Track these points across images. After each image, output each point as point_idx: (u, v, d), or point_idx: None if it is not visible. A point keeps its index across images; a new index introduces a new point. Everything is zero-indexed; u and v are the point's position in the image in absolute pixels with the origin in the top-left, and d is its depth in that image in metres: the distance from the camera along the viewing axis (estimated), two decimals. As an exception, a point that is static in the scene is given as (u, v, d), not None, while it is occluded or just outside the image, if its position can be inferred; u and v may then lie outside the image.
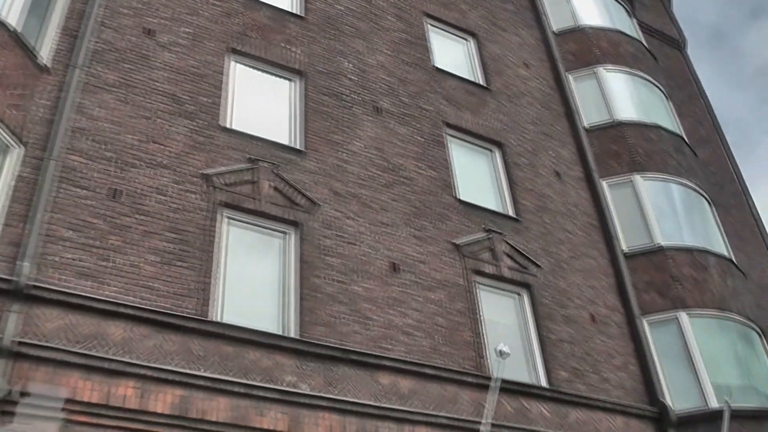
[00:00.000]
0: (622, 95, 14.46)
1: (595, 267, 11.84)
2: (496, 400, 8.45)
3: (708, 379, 11.08)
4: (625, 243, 12.54)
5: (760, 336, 12.57)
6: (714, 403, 10.85)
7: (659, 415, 10.56)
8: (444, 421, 8.61)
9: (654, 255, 12.34)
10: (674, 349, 11.46)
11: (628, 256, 12.36)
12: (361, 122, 11.04)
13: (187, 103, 9.69)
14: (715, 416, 10.62)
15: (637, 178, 13.15)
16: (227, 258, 8.95)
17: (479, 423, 8.74)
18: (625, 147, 13.43)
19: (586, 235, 12.18)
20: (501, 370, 7.63)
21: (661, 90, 15.37)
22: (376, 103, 11.39)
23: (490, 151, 12.33)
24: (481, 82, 13.31)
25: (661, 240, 12.48)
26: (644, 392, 10.77)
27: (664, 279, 12.08)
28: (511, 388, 9.41)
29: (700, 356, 11.28)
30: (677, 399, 10.99)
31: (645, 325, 11.68)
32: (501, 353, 7.52)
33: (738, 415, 10.77)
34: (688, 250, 12.46)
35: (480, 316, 10.03)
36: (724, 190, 15.72)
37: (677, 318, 11.70)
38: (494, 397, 7.63)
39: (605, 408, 10.09)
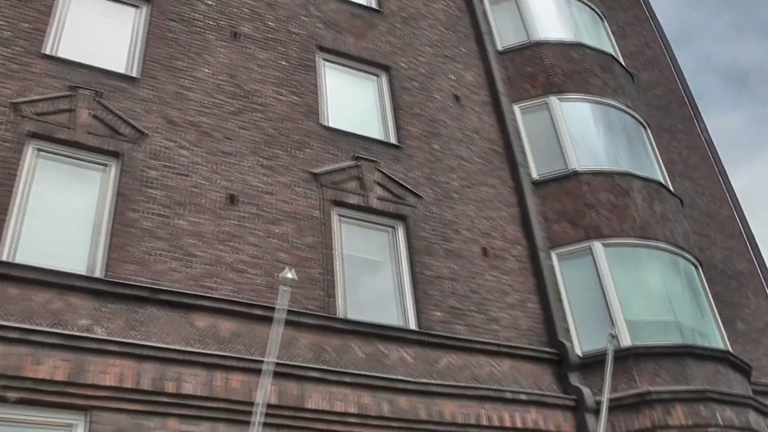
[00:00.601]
0: (546, 16, 12.86)
1: (493, 196, 10.39)
2: (278, 334, 7.11)
3: (621, 316, 9.55)
4: (536, 170, 11.04)
5: (696, 266, 10.94)
6: (626, 342, 9.34)
7: (559, 357, 9.11)
8: (268, 366, 7.31)
9: (567, 181, 10.79)
10: (586, 285, 9.92)
11: (539, 184, 10.84)
12: (214, 48, 9.77)
13: (3, 29, 8.66)
14: (624, 356, 9.12)
15: (553, 101, 11.57)
16: (30, 193, 7.83)
17: (318, 369, 7.48)
18: (542, 68, 11.85)
19: (486, 163, 10.70)
20: (284, 298, 6.31)
21: (594, 9, 13.72)
22: (235, 28, 10.11)
23: (376, 75, 10.96)
24: (372, 4, 11.88)
25: (577, 165, 10.93)
26: (544, 333, 9.32)
27: (577, 207, 10.53)
28: (364, 331, 8.08)
29: (613, 290, 9.74)
30: (585, 340, 9.49)
31: (554, 259, 10.17)
32: (285, 280, 6.23)
33: (654, 354, 9.24)
34: (608, 174, 10.85)
35: (336, 251, 8.70)
36: (671, 113, 14.00)
37: (590, 249, 10.15)
38: (278, 330, 6.32)
39: (488, 351, 8.68)
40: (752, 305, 12.00)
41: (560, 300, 9.72)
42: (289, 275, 6.21)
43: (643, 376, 9.07)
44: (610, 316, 9.51)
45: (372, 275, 8.85)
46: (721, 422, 8.89)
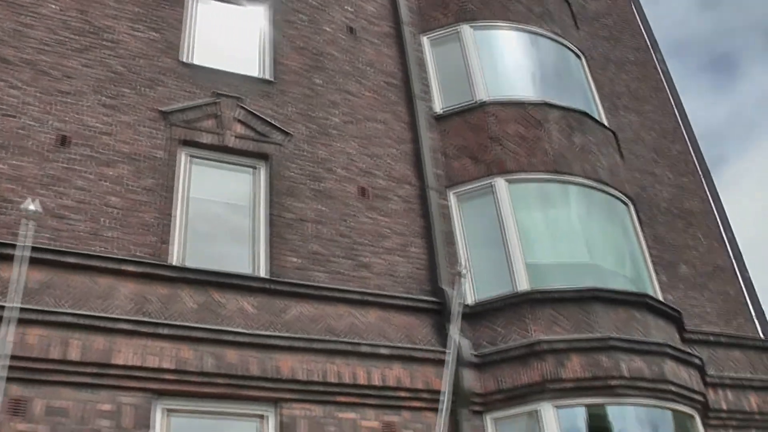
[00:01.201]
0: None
1: (382, 132, 9.24)
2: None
3: (521, 258, 8.34)
4: (441, 103, 9.85)
5: (626, 204, 9.60)
6: (523, 286, 8.15)
7: (441, 307, 7.99)
8: (70, 319, 6.42)
9: (472, 114, 9.55)
10: (487, 226, 8.72)
11: (442, 119, 9.62)
12: (67, -17, 8.95)
13: None
14: (517, 303, 7.95)
15: (465, 29, 10.28)
16: None
17: (129, 321, 6.56)
18: (455, -7, 10.63)
19: (378, 97, 9.56)
20: (28, 232, 5.37)
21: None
22: (96, -38, 9.26)
23: (256, 8, 9.80)
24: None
25: (486, 96, 9.69)
26: (426, 280, 8.20)
27: (481, 141, 9.30)
28: (198, 279, 7.08)
29: (514, 231, 8.51)
30: (482, 287, 8.34)
31: (451, 199, 8.97)
32: (27, 212, 5.30)
33: (553, 299, 8.00)
34: (520, 105, 9.55)
35: (179, 194, 7.73)
36: (622, 44, 12.47)
37: (492, 186, 8.96)
38: (21, 269, 5.39)
39: (351, 300, 7.60)
40: (702, 247, 10.58)
41: (454, 244, 8.58)
42: (32, 207, 5.31)
43: (539, 324, 7.86)
44: (508, 260, 8.34)
45: (225, 220, 7.85)
46: (626, 373, 7.61)
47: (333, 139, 8.84)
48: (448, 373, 6.97)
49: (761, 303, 10.45)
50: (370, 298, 7.65)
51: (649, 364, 7.85)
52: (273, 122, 8.55)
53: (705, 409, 8.49)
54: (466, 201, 8.94)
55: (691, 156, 11.68)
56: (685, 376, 8.17)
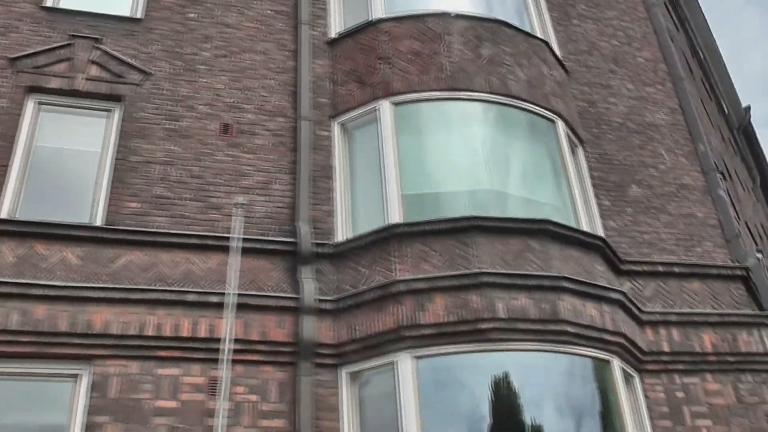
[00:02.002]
0: None
1: (259, 64, 8.00)
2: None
3: (396, 189, 6.94)
4: (337, 27, 8.50)
5: (552, 121, 7.88)
6: (395, 220, 6.81)
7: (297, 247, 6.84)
8: None
9: (364, 34, 8.10)
10: (370, 157, 7.39)
11: (334, 43, 8.24)
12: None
13: None
14: (382, 239, 6.60)
15: (370, -59, 8.82)
16: None
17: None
18: None
19: (261, 27, 8.27)
20: None
21: None
22: None
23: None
24: None
25: (382, 13, 8.21)
26: (289, 220, 7.06)
27: (369, 63, 7.84)
28: (19, 231, 6.26)
29: (393, 157, 7.07)
30: (360, 225, 7.06)
31: (334, 129, 7.65)
32: None
33: (423, 232, 6.60)
34: (418, 18, 7.96)
35: (21, 143, 6.93)
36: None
37: (376, 111, 7.58)
38: None
39: (190, 245, 6.50)
40: (664, 164, 8.60)
41: (329, 177, 7.37)
42: None
43: (405, 262, 6.52)
44: (383, 191, 7.04)
45: (72, 168, 7.05)
46: (502, 314, 6.18)
47: (200, 75, 7.75)
48: (228, 315, 5.83)
49: (734, 224, 8.47)
50: (212, 242, 6.60)
51: (538, 302, 6.32)
52: (131, 62, 7.58)
53: (634, 353, 6.88)
54: (352, 130, 7.62)
55: (663, 64, 9.61)
56: (593, 314, 6.54)
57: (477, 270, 6.24)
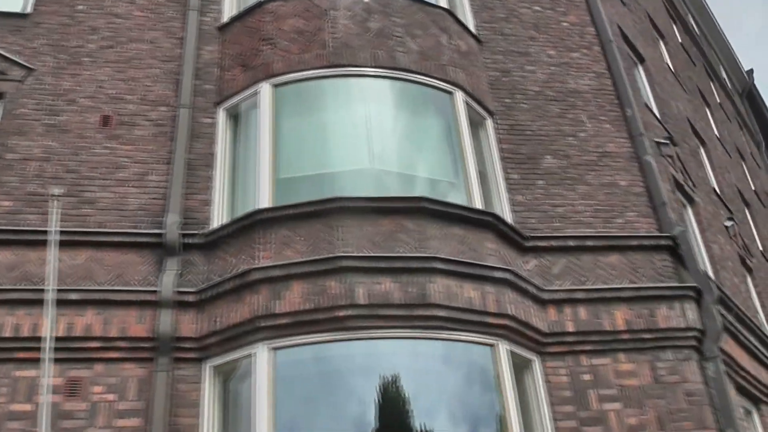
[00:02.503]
0: None
1: (147, 53, 7.51)
2: None
3: (269, 172, 6.38)
4: (231, 12, 7.99)
5: (449, 92, 7.22)
6: (264, 205, 6.28)
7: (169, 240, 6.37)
8: None
9: (251, 16, 7.53)
10: (252, 142, 6.91)
11: (225, 28, 7.75)
12: None
13: None
14: (248, 226, 6.08)
15: None
16: None
17: None
18: None
19: (151, 15, 7.78)
20: None
21: None
22: None
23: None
24: None
25: None
26: (163, 212, 6.57)
27: (253, 45, 7.28)
28: None
29: (267, 141, 6.52)
30: (237, 212, 6.61)
31: (219, 116, 7.13)
32: None
33: (288, 217, 6.06)
34: None
35: None
36: None
37: (257, 94, 7.08)
38: None
39: (59, 242, 6.30)
40: (585, 132, 7.79)
41: (210, 166, 6.92)
42: None
43: (269, 249, 5.99)
44: (256, 176, 6.55)
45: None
46: (361, 300, 5.60)
47: (84, 68, 7.37)
48: (48, 312, 5.32)
49: (661, 191, 7.63)
50: (80, 237, 6.24)
51: (405, 286, 5.73)
52: (14, 58, 7.28)
53: (529, 335, 6.21)
54: (238, 116, 7.18)
55: (591, 27, 8.76)
56: (472, 295, 5.89)
57: (336, 254, 5.72)
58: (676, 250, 7.29)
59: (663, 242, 7.25)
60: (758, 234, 14.42)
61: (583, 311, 6.57)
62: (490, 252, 6.33)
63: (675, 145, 9.79)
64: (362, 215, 6.02)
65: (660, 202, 7.51)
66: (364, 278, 5.68)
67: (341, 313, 5.54)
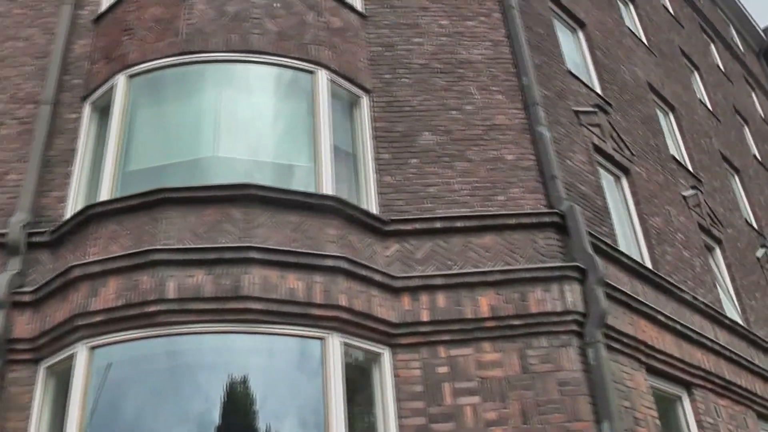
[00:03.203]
0: None
1: (21, 50, 7.09)
2: None
3: (112, 167, 6.01)
4: (108, 2, 7.56)
5: (310, 72, 6.58)
6: (105, 198, 5.93)
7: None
8: None
9: (119, 6, 7.14)
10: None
11: (99, 20, 7.33)
12: None
13: None
14: (82, 223, 5.77)
15: None
16: None
17: None
18: None
19: (29, 11, 7.35)
20: None
21: None
22: None
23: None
24: None
25: None
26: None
27: (116, 36, 6.94)
28: None
29: (115, 134, 6.19)
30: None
31: (85, 110, 6.75)
32: None
33: (115, 211, 5.68)
34: None
35: None
36: None
37: (113, 87, 6.68)
38: None
39: None
40: (472, 105, 6.95)
41: (69, 162, 6.59)
42: None
43: (98, 245, 5.65)
44: (101, 171, 6.19)
45: None
46: (172, 294, 5.11)
47: (-32, 70, 7.33)
48: None
49: (552, 164, 6.77)
50: (-72, 242, 6.20)
51: (218, 278, 5.29)
52: None
53: (372, 327, 5.61)
54: (106, 109, 6.85)
55: (498, 2, 7.90)
56: (296, 286, 5.37)
57: (148, 248, 5.34)
58: (564, 228, 6.53)
59: (548, 219, 6.47)
60: (749, 201, 13.04)
61: (441, 298, 5.94)
62: (331, 239, 5.78)
63: (606, 113, 8.83)
64: (187, 206, 5.61)
65: (550, 175, 6.72)
66: (176, 271, 5.28)
67: (151, 309, 5.17)
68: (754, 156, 14.86)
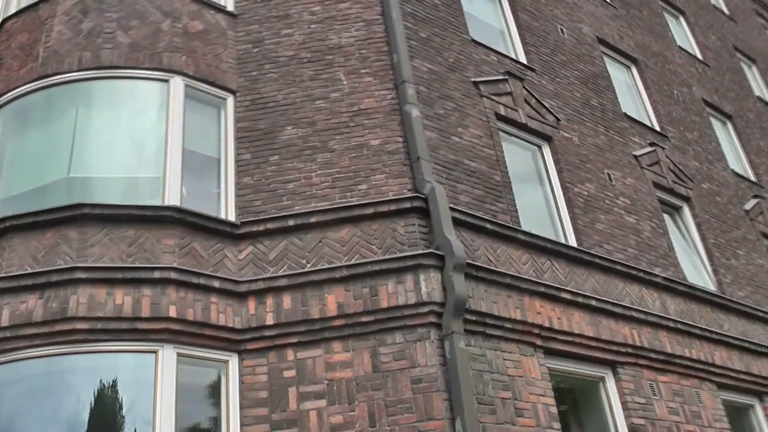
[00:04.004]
0: None
1: None
2: None
3: None
4: (-1, 38, 7.70)
5: (164, 81, 6.34)
6: None
7: None
8: None
9: None
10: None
11: None
12: None
13: None
14: None
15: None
16: None
17: None
18: None
19: None
20: None
21: None
22: None
23: None
24: None
25: (14, 8, 7.26)
26: None
27: None
28: None
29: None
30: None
31: None
32: None
33: None
34: (33, 7, 6.88)
35: None
36: None
37: (-11, 120, 6.74)
38: None
39: None
40: (339, 92, 6.45)
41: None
42: None
43: (-44, 275, 5.84)
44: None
45: None
46: (5, 321, 5.11)
47: None
48: None
49: (417, 144, 6.22)
50: None
51: (48, 301, 5.26)
52: None
53: (211, 335, 5.39)
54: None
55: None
56: (122, 302, 5.24)
57: (-17, 277, 5.40)
58: (428, 212, 6.05)
59: (409, 204, 6.04)
60: (744, 148, 11.69)
61: (287, 300, 5.68)
62: (169, 250, 5.63)
63: (521, 79, 8.09)
64: (30, 232, 5.64)
65: (416, 157, 6.23)
66: (11, 298, 5.33)
67: None
68: (758, 98, 13.29)
